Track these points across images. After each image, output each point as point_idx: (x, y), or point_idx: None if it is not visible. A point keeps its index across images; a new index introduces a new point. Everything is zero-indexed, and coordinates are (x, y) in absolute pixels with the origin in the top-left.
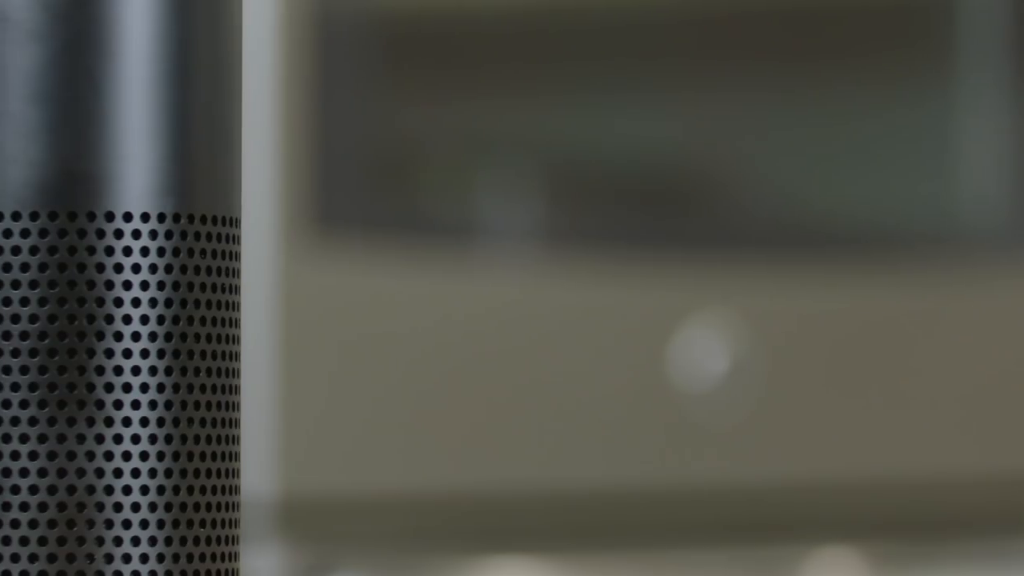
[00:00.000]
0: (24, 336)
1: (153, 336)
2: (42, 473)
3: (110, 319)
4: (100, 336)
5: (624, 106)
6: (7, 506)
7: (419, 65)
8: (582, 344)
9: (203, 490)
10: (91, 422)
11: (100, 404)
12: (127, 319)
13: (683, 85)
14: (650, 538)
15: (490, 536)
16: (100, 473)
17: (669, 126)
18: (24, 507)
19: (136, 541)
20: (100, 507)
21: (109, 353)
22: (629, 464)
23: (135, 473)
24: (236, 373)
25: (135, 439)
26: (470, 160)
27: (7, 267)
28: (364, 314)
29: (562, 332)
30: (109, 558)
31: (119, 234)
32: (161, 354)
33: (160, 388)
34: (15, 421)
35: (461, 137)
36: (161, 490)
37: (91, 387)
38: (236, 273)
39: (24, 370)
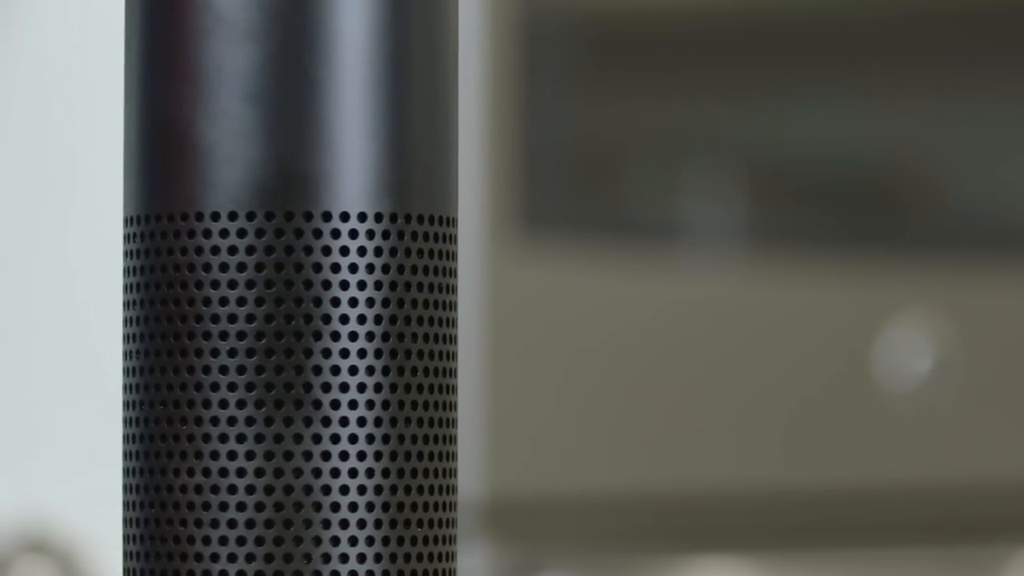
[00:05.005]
0: (241, 336)
1: (370, 336)
2: (259, 473)
3: (327, 319)
4: (317, 336)
5: (826, 105)
6: (224, 506)
7: (623, 65)
8: (785, 343)
9: (420, 490)
10: (308, 422)
11: (317, 404)
12: (344, 319)
13: (885, 84)
14: (851, 536)
15: (693, 535)
16: (317, 473)
17: (871, 125)
18: (241, 507)
19: (353, 541)
20: (317, 507)
21: (326, 353)
22: (832, 462)
23: (352, 473)
24: (453, 373)
25: (352, 439)
26: (673, 160)
27: (224, 267)
28: (568, 313)
29: (765, 331)
30: (326, 558)
31: (336, 234)
32: (379, 354)
33: (378, 388)
34: (232, 421)
35: (664, 137)
36: (379, 490)
37: (308, 387)
38: (453, 273)
39: (241, 370)
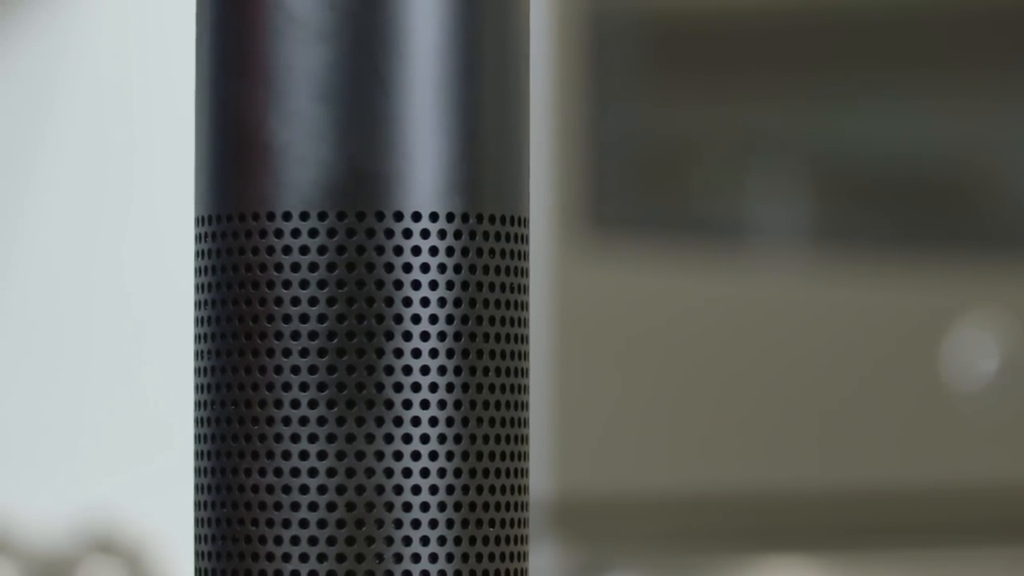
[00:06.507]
0: (313, 336)
1: (442, 336)
2: (331, 473)
3: (399, 319)
4: (389, 336)
5: (892, 105)
6: (296, 506)
7: (690, 65)
8: (852, 342)
9: (492, 490)
10: (380, 422)
11: (389, 404)
12: (416, 319)
13: (951, 83)
14: (920, 536)
15: (762, 535)
16: (389, 473)
17: (938, 124)
18: (313, 507)
19: (425, 541)
20: (389, 507)
21: (398, 353)
22: (899, 462)
23: (424, 473)
24: (525, 373)
25: (424, 439)
26: (740, 159)
27: (296, 267)
28: (636, 313)
29: (832, 330)
30: (398, 558)
31: (408, 234)
32: (450, 354)
33: (449, 388)
34: (304, 421)
35: (731, 136)
36: (450, 490)
37: (380, 387)
38: (524, 273)
39: (313, 370)
